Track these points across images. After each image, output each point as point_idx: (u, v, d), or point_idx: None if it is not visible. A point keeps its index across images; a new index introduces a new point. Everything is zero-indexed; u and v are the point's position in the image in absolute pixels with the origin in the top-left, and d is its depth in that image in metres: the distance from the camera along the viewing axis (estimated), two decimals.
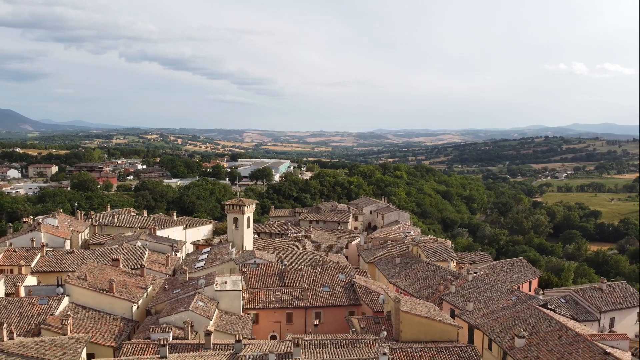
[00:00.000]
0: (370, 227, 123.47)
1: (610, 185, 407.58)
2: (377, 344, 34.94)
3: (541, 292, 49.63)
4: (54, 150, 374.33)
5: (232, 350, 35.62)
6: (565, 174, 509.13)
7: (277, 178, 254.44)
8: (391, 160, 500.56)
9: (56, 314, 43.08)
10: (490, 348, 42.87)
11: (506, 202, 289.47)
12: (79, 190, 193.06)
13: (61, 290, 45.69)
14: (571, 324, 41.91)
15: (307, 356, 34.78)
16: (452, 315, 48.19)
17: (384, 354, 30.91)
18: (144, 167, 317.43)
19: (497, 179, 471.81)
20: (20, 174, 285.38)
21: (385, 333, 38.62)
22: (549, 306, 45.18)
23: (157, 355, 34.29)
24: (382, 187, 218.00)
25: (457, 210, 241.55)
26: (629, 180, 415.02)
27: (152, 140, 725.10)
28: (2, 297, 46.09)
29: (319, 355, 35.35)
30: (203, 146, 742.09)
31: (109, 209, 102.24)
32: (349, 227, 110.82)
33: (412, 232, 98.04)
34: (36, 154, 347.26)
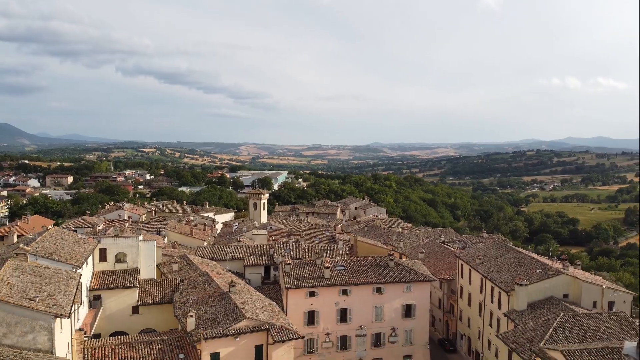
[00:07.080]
0: (355, 219, 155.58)
1: (594, 195, 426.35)
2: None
3: (442, 237, 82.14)
4: (61, 163, 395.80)
5: None
6: (552, 186, 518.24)
7: (276, 187, 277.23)
8: (385, 172, 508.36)
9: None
10: None
11: (488, 209, 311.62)
12: (106, 195, 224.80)
13: (163, 233, 78.12)
14: (453, 249, 74.37)
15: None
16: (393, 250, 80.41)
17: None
18: (152, 177, 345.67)
19: (486, 190, 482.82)
20: (38, 183, 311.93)
21: (346, 249, 70.86)
22: (445, 243, 77.58)
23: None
24: (372, 194, 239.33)
25: (440, 216, 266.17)
26: (612, 191, 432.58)
27: (149, 154, 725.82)
28: None
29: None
30: (200, 159, 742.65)
31: (154, 201, 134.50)
32: (337, 217, 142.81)
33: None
34: (46, 165, 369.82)
